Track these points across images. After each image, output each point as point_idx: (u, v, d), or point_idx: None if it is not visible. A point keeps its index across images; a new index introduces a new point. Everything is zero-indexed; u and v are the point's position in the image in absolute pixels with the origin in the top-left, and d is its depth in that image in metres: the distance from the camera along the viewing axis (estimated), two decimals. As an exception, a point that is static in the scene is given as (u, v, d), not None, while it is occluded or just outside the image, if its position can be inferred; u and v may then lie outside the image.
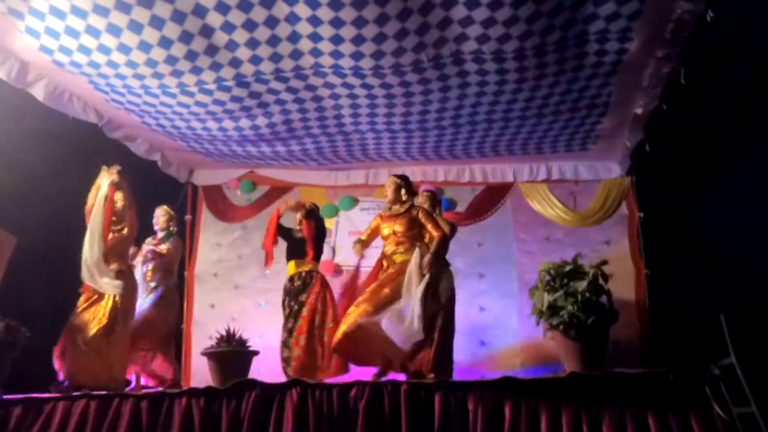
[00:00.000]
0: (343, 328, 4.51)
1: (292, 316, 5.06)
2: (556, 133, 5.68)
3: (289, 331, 5.02)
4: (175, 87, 4.77)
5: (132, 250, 5.27)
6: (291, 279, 5.24)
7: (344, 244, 6.60)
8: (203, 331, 6.38)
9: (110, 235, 4.83)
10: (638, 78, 4.63)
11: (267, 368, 5.29)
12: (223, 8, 3.95)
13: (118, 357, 4.71)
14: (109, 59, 4.40)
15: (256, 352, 4.94)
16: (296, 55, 4.44)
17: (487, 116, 5.30)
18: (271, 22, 4.09)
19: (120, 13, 3.95)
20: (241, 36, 4.20)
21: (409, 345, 4.35)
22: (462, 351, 5.53)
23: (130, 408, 3.88)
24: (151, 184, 6.09)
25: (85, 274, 4.65)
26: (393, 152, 6.19)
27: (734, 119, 5.75)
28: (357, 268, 5.18)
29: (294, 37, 4.25)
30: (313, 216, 5.36)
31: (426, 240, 4.80)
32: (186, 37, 4.19)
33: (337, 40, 4.22)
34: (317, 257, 5.34)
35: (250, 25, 4.11)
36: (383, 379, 4.33)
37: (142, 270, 5.44)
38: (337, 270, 6.53)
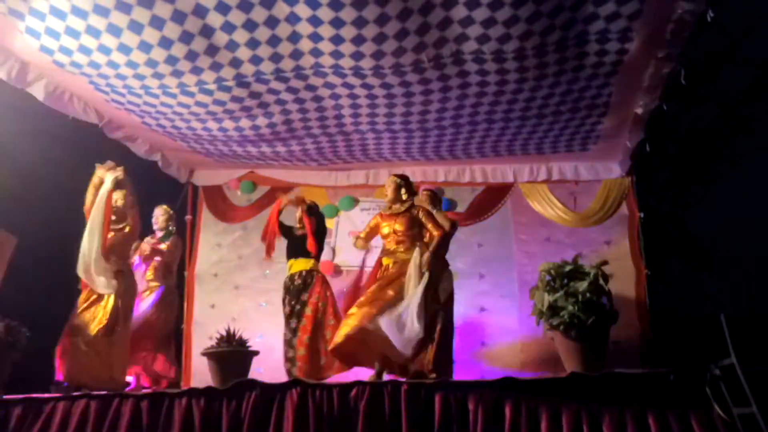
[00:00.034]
0: (345, 330, 4.49)
1: (295, 315, 5.07)
2: (557, 134, 5.68)
3: (293, 331, 5.02)
4: (175, 87, 4.77)
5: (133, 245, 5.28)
6: (291, 277, 5.25)
7: (344, 245, 6.61)
8: (203, 331, 6.39)
9: (111, 234, 4.83)
10: (638, 78, 4.63)
11: (267, 368, 5.30)
12: (223, 8, 3.95)
13: (118, 357, 4.71)
14: (110, 59, 4.40)
15: (256, 353, 4.94)
16: (296, 55, 4.44)
17: (487, 116, 5.30)
18: (272, 22, 4.09)
19: (120, 13, 3.95)
20: (241, 36, 4.20)
21: (410, 349, 4.34)
22: (462, 351, 5.55)
23: (131, 408, 3.87)
24: (152, 185, 6.10)
25: (80, 270, 4.62)
26: (393, 152, 6.19)
27: (734, 119, 5.75)
28: (362, 269, 5.17)
29: (294, 37, 4.25)
30: (314, 212, 5.36)
31: (426, 239, 4.80)
32: (186, 38, 4.19)
33: (337, 40, 4.22)
34: (319, 253, 5.35)
35: (250, 25, 4.11)
36: (383, 379, 4.33)
37: (141, 269, 5.44)
38: (337, 270, 6.53)
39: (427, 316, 4.39)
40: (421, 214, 4.80)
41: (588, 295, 4.41)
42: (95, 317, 4.66)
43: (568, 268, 4.67)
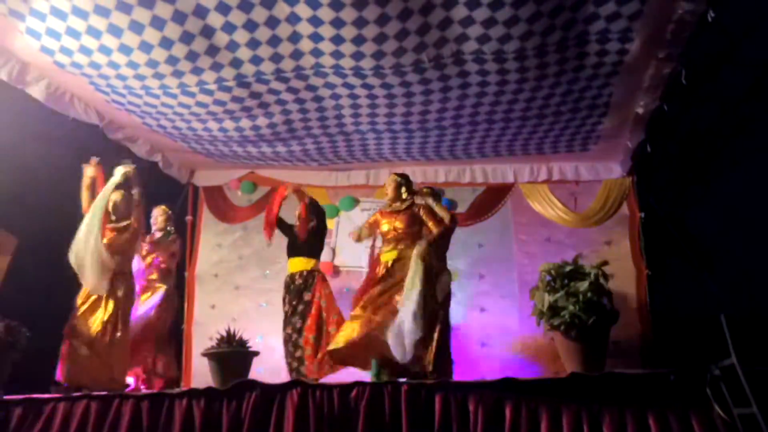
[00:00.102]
0: (349, 335, 4.46)
1: (299, 315, 5.08)
2: (557, 134, 5.68)
3: (299, 331, 5.02)
4: (176, 87, 4.77)
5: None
6: (291, 276, 5.25)
7: (344, 245, 6.61)
8: (204, 331, 6.39)
9: (111, 234, 4.83)
10: (639, 78, 4.63)
11: (267, 369, 5.31)
12: (223, 9, 3.95)
13: (118, 359, 4.70)
14: (110, 60, 4.41)
15: (256, 353, 4.94)
16: (297, 55, 4.44)
17: (487, 116, 5.30)
18: (272, 22, 4.09)
19: (121, 13, 3.95)
20: (241, 36, 4.21)
21: (411, 353, 4.32)
22: (462, 351, 5.54)
23: (131, 409, 3.87)
24: (152, 185, 6.09)
25: (73, 259, 4.59)
26: (394, 152, 6.19)
27: (735, 120, 5.73)
28: (372, 265, 5.10)
29: (295, 38, 4.25)
30: (315, 209, 5.35)
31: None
32: (187, 38, 4.19)
33: (337, 40, 4.22)
34: (319, 252, 5.35)
35: (250, 26, 4.11)
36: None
37: (140, 267, 5.44)
38: (336, 271, 6.53)
39: (426, 316, 4.38)
40: (421, 212, 4.79)
41: (589, 294, 4.41)
42: (96, 319, 4.65)
43: (568, 268, 4.68)
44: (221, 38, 4.23)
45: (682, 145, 6.18)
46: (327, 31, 4.14)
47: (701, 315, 5.38)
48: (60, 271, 4.66)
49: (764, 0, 4.56)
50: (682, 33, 4.01)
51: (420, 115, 5.29)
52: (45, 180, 5.32)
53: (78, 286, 4.76)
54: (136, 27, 4.07)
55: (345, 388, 3.76)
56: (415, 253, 4.51)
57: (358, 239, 5.09)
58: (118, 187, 4.88)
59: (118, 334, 4.67)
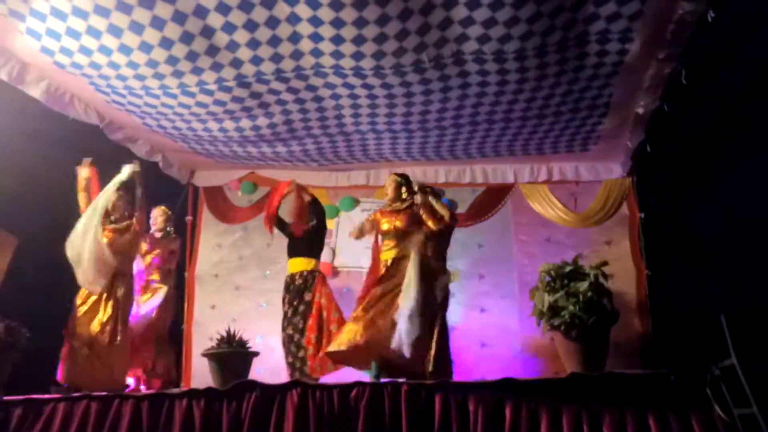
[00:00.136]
0: (352, 338, 4.46)
1: (300, 315, 5.07)
2: (557, 134, 5.68)
3: (301, 331, 5.02)
4: (176, 88, 4.77)
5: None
6: (291, 276, 5.25)
7: (344, 246, 6.61)
8: (204, 331, 6.38)
9: (110, 234, 4.83)
10: (639, 78, 4.63)
11: (267, 369, 5.31)
12: (223, 9, 3.95)
13: (118, 360, 4.69)
14: (110, 60, 4.41)
15: (256, 353, 4.94)
16: (297, 55, 4.44)
17: (487, 117, 5.30)
18: (272, 22, 4.09)
19: (121, 14, 3.95)
20: (242, 36, 4.21)
21: (410, 352, 4.32)
22: (462, 352, 5.53)
23: (131, 409, 3.87)
24: (152, 185, 6.09)
25: (69, 251, 4.58)
26: (394, 152, 6.19)
27: (735, 120, 5.74)
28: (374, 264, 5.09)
29: (295, 38, 4.25)
30: (316, 209, 5.35)
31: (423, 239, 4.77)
32: (187, 38, 4.19)
33: (338, 40, 4.22)
34: (319, 251, 5.35)
35: (251, 26, 4.11)
36: (383, 380, 4.33)
37: (139, 268, 5.44)
38: (335, 272, 6.52)
39: (425, 315, 4.38)
40: (421, 211, 4.79)
41: (589, 294, 4.41)
42: (95, 320, 4.65)
43: (568, 268, 4.68)
44: (221, 38, 4.23)
45: (682, 145, 6.18)
46: (327, 31, 4.14)
47: (701, 315, 5.38)
48: (60, 271, 4.67)
49: (764, 0, 4.56)
50: (682, 33, 4.01)
51: (420, 115, 5.29)
52: (45, 180, 5.32)
53: (78, 286, 4.76)
54: (136, 27, 4.07)
55: (345, 389, 3.76)
56: (412, 245, 4.50)
57: (360, 235, 5.08)
58: (120, 187, 4.88)
59: (118, 335, 4.67)
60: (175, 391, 4.20)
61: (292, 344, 5.04)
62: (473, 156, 6.25)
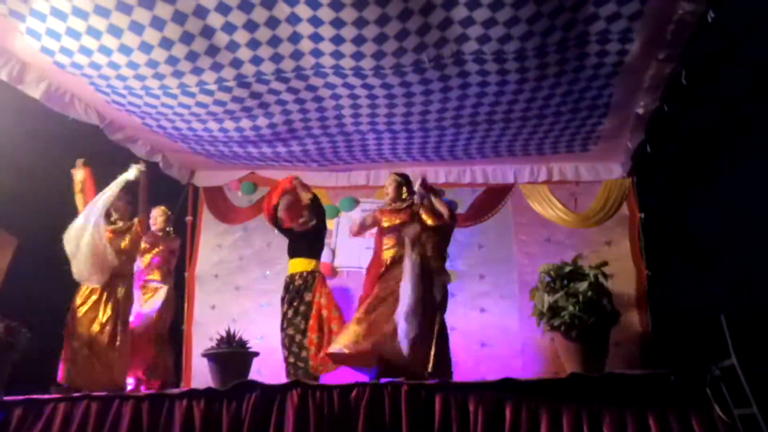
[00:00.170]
0: (354, 340, 4.45)
1: (301, 315, 5.07)
2: (557, 134, 5.68)
3: (302, 332, 5.02)
4: (176, 88, 4.77)
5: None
6: (291, 277, 5.25)
7: (344, 246, 6.61)
8: (204, 332, 6.38)
9: (110, 235, 4.83)
10: (639, 79, 4.63)
11: (267, 369, 5.31)
12: (224, 9, 3.96)
13: (118, 360, 4.69)
14: (110, 60, 4.41)
15: (256, 354, 4.94)
16: (297, 55, 4.44)
17: (487, 117, 5.30)
18: (272, 22, 4.10)
19: (121, 14, 3.96)
20: (242, 37, 4.21)
21: (408, 354, 4.32)
22: (462, 352, 5.53)
23: (131, 409, 3.88)
24: (152, 186, 6.09)
25: (66, 245, 4.58)
26: (394, 153, 6.19)
27: (735, 120, 5.73)
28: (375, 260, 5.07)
29: (295, 38, 4.25)
30: (317, 208, 5.35)
31: (423, 239, 4.76)
32: (187, 38, 4.19)
33: (338, 40, 4.22)
34: (319, 252, 5.35)
35: (251, 26, 4.11)
36: (383, 380, 4.33)
37: (138, 267, 5.44)
38: (334, 272, 6.52)
39: (422, 315, 4.37)
40: (421, 211, 4.80)
41: (589, 294, 4.41)
42: (95, 320, 4.65)
43: (567, 269, 4.69)
44: (221, 38, 4.23)
45: (682, 145, 6.17)
46: (327, 31, 4.14)
47: (701, 315, 5.37)
48: (60, 271, 4.67)
49: (764, 0, 4.56)
50: (683, 33, 4.01)
51: (420, 116, 5.29)
52: (45, 180, 5.32)
53: (78, 285, 4.76)
54: (136, 27, 4.07)
55: (345, 389, 3.76)
56: (408, 238, 4.48)
57: (361, 229, 5.06)
58: (123, 186, 4.88)
59: (118, 335, 4.66)
60: (175, 391, 4.21)
61: (294, 345, 5.04)
62: (473, 156, 6.25)
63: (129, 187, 4.97)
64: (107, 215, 4.89)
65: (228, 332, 4.88)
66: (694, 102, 5.37)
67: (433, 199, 4.84)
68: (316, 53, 4.40)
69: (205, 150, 6.12)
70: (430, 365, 4.48)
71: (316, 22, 4.06)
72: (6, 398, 4.13)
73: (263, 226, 5.76)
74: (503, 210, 6.62)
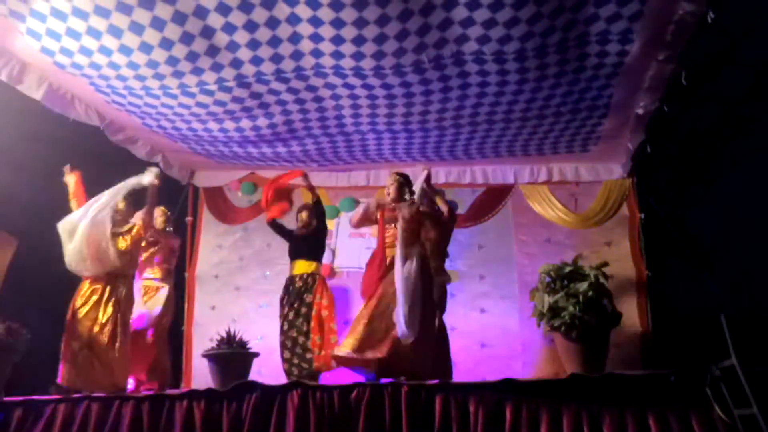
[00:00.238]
0: (353, 340, 4.42)
1: (303, 317, 5.07)
2: (557, 135, 5.68)
3: (305, 334, 5.02)
4: (176, 88, 4.78)
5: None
6: (292, 278, 5.26)
7: (344, 246, 6.61)
8: (204, 332, 6.38)
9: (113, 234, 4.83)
10: (639, 79, 4.63)
11: (268, 370, 5.31)
12: (224, 9, 3.96)
13: (119, 361, 4.68)
14: (110, 60, 4.41)
15: (256, 354, 4.95)
16: (297, 55, 4.44)
17: (487, 117, 5.31)
18: (272, 23, 4.10)
19: (121, 14, 3.96)
20: (242, 37, 4.21)
21: (409, 351, 4.31)
22: (462, 353, 5.54)
23: (131, 410, 3.88)
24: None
25: (61, 230, 4.58)
26: (394, 153, 6.19)
27: (735, 120, 5.72)
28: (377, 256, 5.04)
29: (295, 38, 4.25)
30: (317, 210, 5.36)
31: (422, 238, 4.76)
32: (187, 39, 4.19)
33: (338, 40, 4.22)
34: (321, 254, 5.35)
35: (251, 26, 4.11)
36: (384, 380, 4.33)
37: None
38: (334, 273, 6.51)
39: (424, 315, 4.36)
40: (421, 210, 4.79)
41: (589, 295, 4.41)
42: (95, 321, 4.64)
43: (567, 269, 4.69)
44: (221, 39, 4.23)
45: (682, 145, 6.17)
46: (327, 31, 4.14)
47: (701, 315, 5.36)
48: (60, 271, 4.67)
49: (764, 0, 4.55)
50: (682, 34, 4.01)
51: (420, 116, 5.29)
52: (45, 180, 5.32)
53: (78, 286, 4.76)
54: (136, 28, 4.07)
55: (345, 389, 3.76)
56: (412, 268, 4.42)
57: (364, 218, 4.97)
58: (125, 195, 4.87)
59: (118, 336, 4.65)
60: (176, 392, 4.21)
61: (297, 347, 5.03)
62: (473, 156, 6.26)
63: (132, 194, 4.96)
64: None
65: (228, 333, 4.89)
66: (694, 102, 5.37)
67: (436, 199, 4.85)
68: (316, 53, 4.40)
69: (205, 150, 6.12)
70: (430, 366, 4.47)
71: (316, 22, 4.06)
72: (6, 399, 4.13)
73: (263, 227, 5.76)
74: (503, 210, 6.62)
